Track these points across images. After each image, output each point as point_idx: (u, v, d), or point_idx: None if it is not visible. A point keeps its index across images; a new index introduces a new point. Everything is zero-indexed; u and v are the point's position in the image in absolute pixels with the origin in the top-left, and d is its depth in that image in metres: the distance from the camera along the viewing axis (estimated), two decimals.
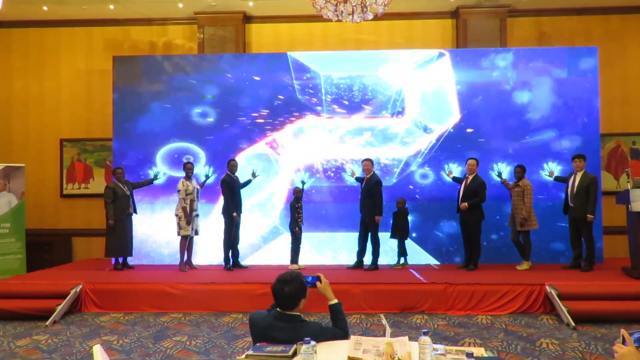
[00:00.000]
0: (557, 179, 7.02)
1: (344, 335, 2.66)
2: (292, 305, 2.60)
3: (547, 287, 5.57)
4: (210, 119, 7.65)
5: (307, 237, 7.21)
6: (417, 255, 7.38)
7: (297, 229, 6.87)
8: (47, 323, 5.36)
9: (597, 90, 7.35)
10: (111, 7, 8.01)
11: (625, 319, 5.13)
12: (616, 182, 8.00)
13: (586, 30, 8.22)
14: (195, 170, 7.30)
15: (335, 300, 2.82)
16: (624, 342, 1.91)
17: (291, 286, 2.58)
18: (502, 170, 7.29)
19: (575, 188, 6.44)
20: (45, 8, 8.08)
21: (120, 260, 7.02)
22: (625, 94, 8.12)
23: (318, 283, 2.81)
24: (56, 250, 8.24)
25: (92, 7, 8.10)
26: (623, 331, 1.94)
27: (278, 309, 2.63)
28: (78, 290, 5.84)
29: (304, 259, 7.11)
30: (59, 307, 5.53)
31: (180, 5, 7.98)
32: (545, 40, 8.23)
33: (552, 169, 7.24)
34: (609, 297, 5.42)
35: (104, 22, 8.56)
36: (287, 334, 2.50)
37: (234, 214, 6.81)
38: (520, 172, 6.75)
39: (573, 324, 5.02)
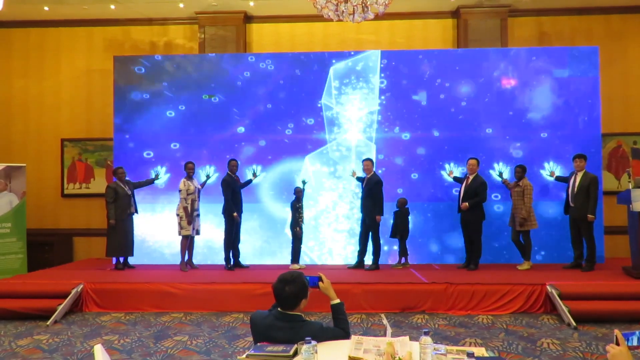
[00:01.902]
0: (557, 178, 7.03)
1: (345, 336, 2.66)
2: (293, 305, 2.60)
3: (547, 287, 5.57)
4: (211, 119, 7.64)
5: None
6: (418, 255, 7.38)
7: (297, 228, 6.87)
8: (48, 323, 5.36)
9: (597, 90, 7.34)
10: (112, 7, 8.02)
11: (626, 319, 5.13)
12: (617, 182, 7.99)
13: (587, 30, 8.22)
14: (196, 170, 7.31)
15: (337, 300, 2.82)
16: (618, 342, 1.92)
17: (292, 286, 2.58)
18: (503, 170, 7.29)
19: (575, 188, 6.44)
20: (45, 8, 8.09)
21: (121, 260, 7.02)
22: (626, 94, 8.11)
23: (320, 283, 2.81)
24: (57, 250, 8.25)
25: (92, 7, 8.10)
26: (616, 331, 1.95)
27: (279, 309, 2.63)
28: (79, 290, 5.85)
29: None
30: (60, 307, 5.54)
31: (181, 5, 7.98)
32: (546, 40, 8.23)
33: (553, 169, 7.24)
34: (609, 297, 5.43)
35: (105, 22, 8.57)
36: (288, 334, 2.50)
37: (235, 214, 6.81)
38: (520, 172, 6.75)
39: (574, 324, 5.02)
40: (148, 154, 7.65)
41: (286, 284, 2.58)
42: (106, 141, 8.31)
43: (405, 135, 7.51)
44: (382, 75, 7.56)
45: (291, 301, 2.59)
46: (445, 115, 7.48)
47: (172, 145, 7.66)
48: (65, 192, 8.52)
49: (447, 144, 7.45)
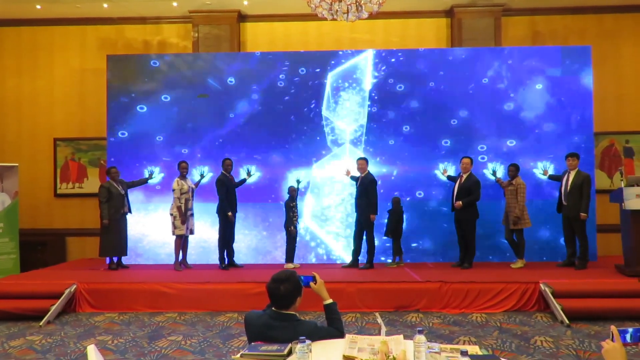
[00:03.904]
0: (551, 177, 7.06)
1: (339, 335, 2.66)
2: (288, 304, 2.61)
3: (541, 285, 5.60)
4: (205, 118, 7.62)
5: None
6: (412, 253, 7.39)
7: (292, 227, 6.86)
8: (41, 323, 5.33)
9: (590, 89, 7.38)
10: (105, 5, 7.97)
11: (619, 317, 5.16)
12: (610, 180, 8.05)
13: (580, 30, 8.26)
14: (190, 169, 7.28)
15: (330, 300, 2.82)
16: (613, 339, 1.94)
17: (287, 285, 2.58)
18: (497, 169, 7.32)
19: (568, 186, 6.48)
20: (38, 6, 8.03)
21: (115, 259, 6.99)
22: (619, 93, 8.16)
23: (312, 283, 2.81)
24: (50, 250, 8.21)
25: (85, 6, 8.05)
26: (613, 327, 1.97)
27: (274, 308, 2.63)
28: (72, 290, 5.81)
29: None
30: (53, 307, 5.50)
31: (175, 3, 7.95)
32: (540, 39, 8.26)
33: (546, 168, 7.28)
34: (602, 294, 5.46)
35: (98, 21, 8.52)
36: (283, 333, 2.50)
37: (229, 213, 6.80)
38: (513, 170, 6.78)
39: (567, 322, 5.05)
40: (141, 154, 7.61)
41: (281, 283, 2.59)
42: (99, 140, 8.27)
43: (398, 137, 7.52)
44: (375, 78, 7.55)
45: (286, 300, 2.60)
46: (439, 115, 7.48)
47: (165, 145, 7.62)
48: (58, 191, 8.48)
49: (441, 143, 7.46)
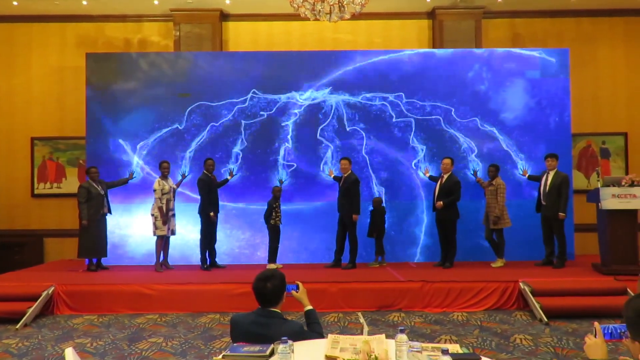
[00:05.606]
0: (530, 177, 7.18)
1: (321, 339, 2.69)
2: (277, 300, 2.65)
3: (520, 283, 5.68)
4: (186, 118, 7.55)
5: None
6: (394, 253, 7.43)
7: (275, 228, 6.84)
8: (17, 326, 5.21)
9: (568, 90, 7.52)
10: (84, 2, 7.84)
11: (595, 314, 5.24)
12: (587, 180, 8.21)
13: (558, 32, 8.41)
14: (172, 169, 7.21)
15: (311, 307, 2.91)
16: (596, 334, 1.99)
17: (273, 281, 2.62)
18: (477, 169, 7.41)
19: (547, 187, 6.59)
20: (15, 2, 7.86)
21: (94, 261, 6.88)
22: (596, 95, 8.33)
23: (294, 291, 2.88)
24: (27, 251, 8.05)
25: (64, 3, 7.91)
26: (596, 324, 2.03)
27: (261, 307, 2.66)
28: (50, 292, 5.70)
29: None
30: (30, 310, 5.39)
31: (156, 2, 7.86)
32: (519, 41, 8.39)
33: (525, 168, 7.39)
34: (579, 292, 5.57)
35: (77, 18, 8.38)
36: (273, 330, 2.52)
37: (211, 213, 6.76)
38: (493, 171, 6.87)
39: (545, 320, 5.14)
40: (121, 153, 7.51)
41: (267, 280, 2.62)
42: (78, 140, 8.12)
43: (383, 136, 7.56)
44: (357, 78, 7.57)
45: (274, 296, 2.63)
46: (421, 115, 7.54)
47: (146, 144, 7.53)
48: (36, 192, 8.31)
49: (422, 143, 7.52)
